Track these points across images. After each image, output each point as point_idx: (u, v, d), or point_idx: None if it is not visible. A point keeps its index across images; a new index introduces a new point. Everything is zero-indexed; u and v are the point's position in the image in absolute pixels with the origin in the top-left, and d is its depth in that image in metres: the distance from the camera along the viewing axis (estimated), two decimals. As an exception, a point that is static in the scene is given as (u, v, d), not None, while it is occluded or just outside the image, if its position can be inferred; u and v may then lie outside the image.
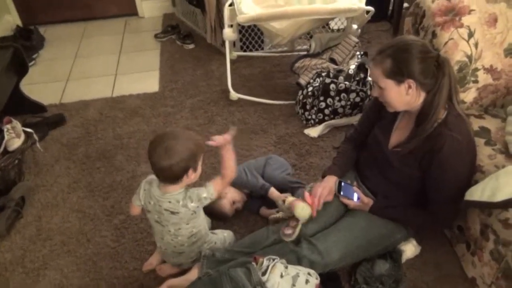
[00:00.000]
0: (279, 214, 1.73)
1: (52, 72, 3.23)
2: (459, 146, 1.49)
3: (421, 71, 1.46)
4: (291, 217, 1.67)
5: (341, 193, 1.73)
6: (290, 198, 1.73)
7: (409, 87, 1.48)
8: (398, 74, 1.47)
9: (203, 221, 1.69)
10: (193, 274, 1.65)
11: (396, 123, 1.69)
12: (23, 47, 2.52)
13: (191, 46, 3.42)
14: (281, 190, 1.96)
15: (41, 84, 3.07)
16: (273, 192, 1.94)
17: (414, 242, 1.78)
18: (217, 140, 1.54)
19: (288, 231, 1.62)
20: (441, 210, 1.61)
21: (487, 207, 1.51)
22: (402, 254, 1.74)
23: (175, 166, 1.47)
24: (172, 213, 1.57)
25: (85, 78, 3.15)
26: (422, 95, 1.52)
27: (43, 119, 2.62)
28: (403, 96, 1.51)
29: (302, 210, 1.62)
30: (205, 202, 1.59)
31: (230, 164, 1.58)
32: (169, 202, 1.56)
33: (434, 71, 1.48)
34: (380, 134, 1.72)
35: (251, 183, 1.97)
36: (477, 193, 1.48)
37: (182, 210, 1.56)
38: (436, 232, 1.87)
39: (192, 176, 1.53)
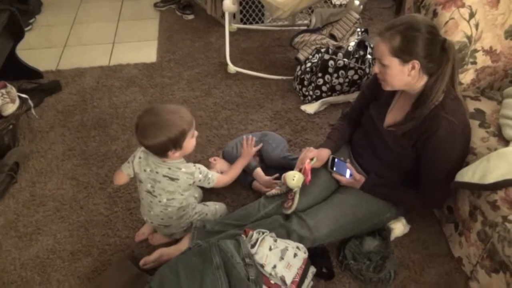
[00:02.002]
0: (276, 190, 1.74)
1: (49, 37, 3.19)
2: (454, 129, 1.49)
3: (427, 54, 1.44)
4: (288, 191, 1.69)
5: (334, 169, 1.75)
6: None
7: (413, 67, 1.46)
8: (405, 53, 1.44)
9: (192, 198, 1.73)
10: (183, 244, 1.68)
11: (392, 103, 1.68)
12: (20, 11, 2.48)
13: (191, 16, 3.37)
14: (283, 169, 1.89)
15: (37, 50, 3.04)
16: (258, 172, 1.95)
17: (403, 220, 1.80)
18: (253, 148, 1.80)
19: (288, 203, 1.65)
20: (432, 192, 1.62)
21: (477, 189, 1.51)
22: (391, 232, 1.76)
23: (155, 146, 1.52)
24: (171, 179, 1.59)
25: (82, 45, 3.11)
26: (424, 78, 1.51)
27: (38, 85, 2.60)
28: (404, 76, 1.49)
29: (293, 179, 1.64)
30: (204, 182, 1.66)
31: (239, 168, 1.77)
32: (169, 168, 1.59)
33: (439, 55, 1.46)
34: (375, 113, 1.72)
35: None
36: (468, 174, 1.49)
37: (183, 177, 1.59)
38: (426, 212, 1.89)
39: (177, 154, 1.55)
